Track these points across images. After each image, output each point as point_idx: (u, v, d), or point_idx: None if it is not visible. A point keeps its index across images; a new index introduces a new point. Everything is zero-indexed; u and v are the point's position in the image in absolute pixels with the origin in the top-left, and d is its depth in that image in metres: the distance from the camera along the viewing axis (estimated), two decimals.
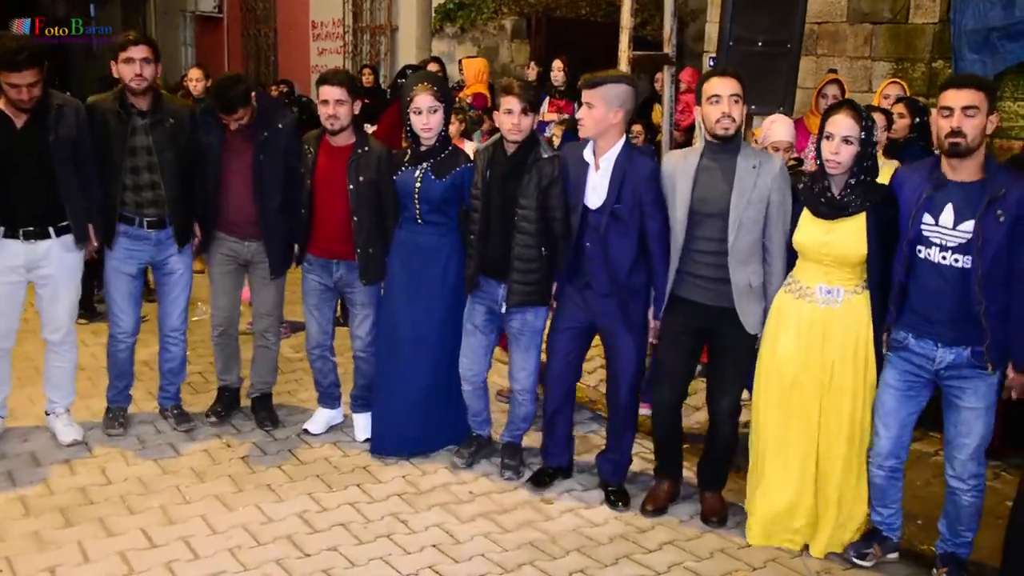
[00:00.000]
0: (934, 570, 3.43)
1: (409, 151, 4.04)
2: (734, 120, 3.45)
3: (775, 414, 3.51)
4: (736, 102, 3.44)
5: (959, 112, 3.06)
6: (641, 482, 4.10)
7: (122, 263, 4.20)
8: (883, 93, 5.40)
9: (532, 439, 4.32)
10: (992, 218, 3.05)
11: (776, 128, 4.57)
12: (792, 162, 4.76)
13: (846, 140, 3.24)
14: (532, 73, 7.93)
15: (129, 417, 4.48)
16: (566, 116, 7.19)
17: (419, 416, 4.17)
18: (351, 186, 4.06)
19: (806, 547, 3.58)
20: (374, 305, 4.23)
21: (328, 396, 4.51)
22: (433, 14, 10.76)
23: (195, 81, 7.09)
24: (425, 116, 3.89)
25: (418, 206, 3.97)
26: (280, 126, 4.21)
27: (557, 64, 7.52)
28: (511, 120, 3.72)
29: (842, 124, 3.25)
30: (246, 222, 4.21)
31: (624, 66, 6.37)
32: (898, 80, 5.52)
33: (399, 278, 4.09)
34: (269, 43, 15.30)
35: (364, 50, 12.97)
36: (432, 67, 7.40)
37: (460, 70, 8.49)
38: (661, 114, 6.90)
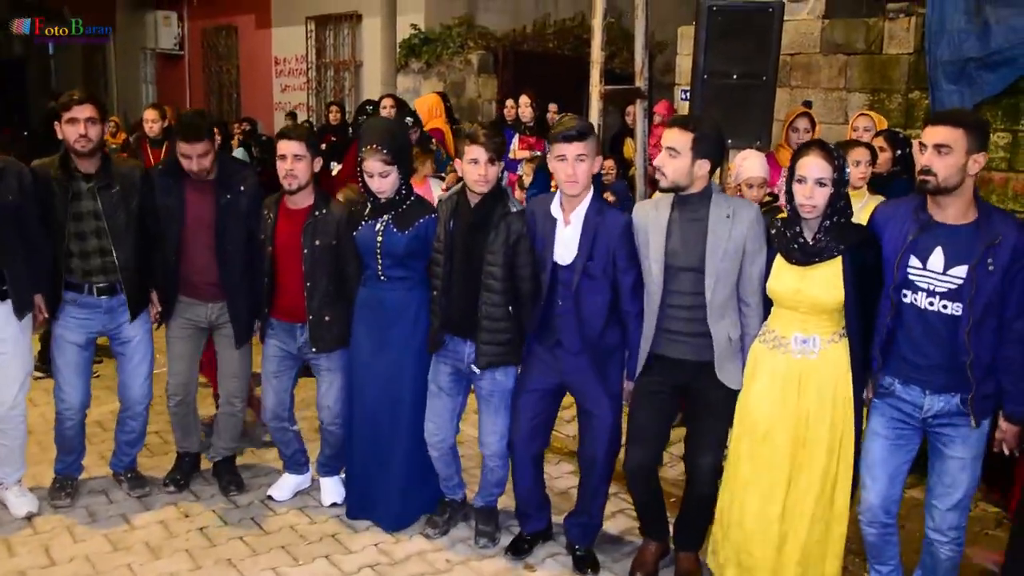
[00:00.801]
0: None
1: (369, 204, 3.82)
2: (664, 175, 3.28)
3: (745, 467, 3.33)
4: (672, 155, 3.25)
5: (931, 150, 2.92)
6: (628, 542, 3.87)
7: (71, 332, 3.95)
8: (852, 125, 5.29)
9: (509, 497, 4.05)
10: (983, 266, 2.90)
11: (748, 164, 4.41)
12: (767, 198, 4.61)
13: (819, 183, 3.06)
14: (512, 111, 7.67)
15: (79, 485, 4.19)
16: (537, 153, 7.03)
17: (398, 484, 3.92)
18: (305, 250, 3.85)
19: None
20: (340, 370, 4.00)
21: (294, 463, 4.27)
22: (398, 49, 10.61)
23: (151, 122, 6.81)
24: (377, 180, 3.70)
25: (380, 261, 3.75)
26: (242, 188, 4.01)
27: (524, 100, 7.36)
28: (477, 171, 3.52)
29: (813, 166, 3.07)
30: (209, 283, 4.01)
31: (596, 101, 6.26)
32: (868, 112, 5.41)
33: (365, 339, 3.86)
34: (231, 80, 15.11)
35: (328, 86, 12.82)
36: (386, 103, 7.18)
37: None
38: (634, 148, 6.77)
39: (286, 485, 4.23)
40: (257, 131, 10.98)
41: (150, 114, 6.81)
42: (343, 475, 4.19)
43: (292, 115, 11.41)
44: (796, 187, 3.11)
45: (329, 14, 12.51)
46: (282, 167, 3.80)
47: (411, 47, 10.53)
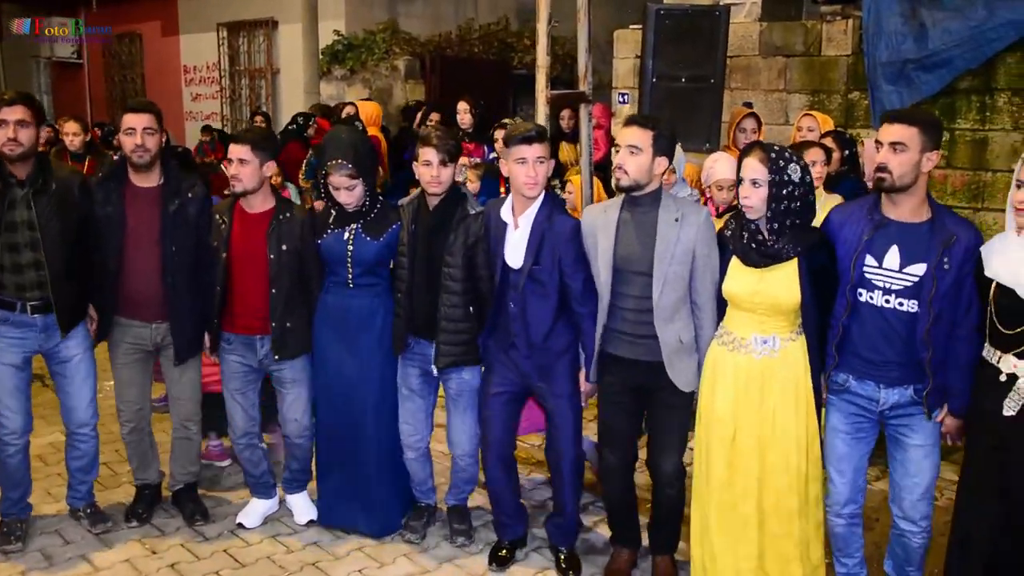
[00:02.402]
0: None
1: (333, 212, 3.75)
2: (626, 172, 3.28)
3: (718, 472, 3.33)
4: (634, 153, 3.27)
5: (887, 147, 2.99)
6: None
7: (4, 354, 3.67)
8: (797, 125, 5.41)
9: (480, 496, 4.08)
10: (940, 265, 2.98)
11: (719, 167, 4.47)
12: (736, 202, 4.66)
13: (754, 183, 3.11)
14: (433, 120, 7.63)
15: (30, 525, 3.91)
16: (477, 160, 6.97)
17: (378, 489, 3.90)
18: (272, 255, 3.73)
19: None
20: (305, 382, 3.91)
21: (262, 486, 4.11)
22: (320, 56, 10.39)
23: (72, 135, 6.47)
24: (344, 194, 3.67)
25: (351, 270, 3.71)
26: (191, 195, 3.82)
27: (463, 106, 7.30)
28: (430, 172, 3.56)
29: (749, 167, 3.13)
30: (152, 303, 3.78)
31: (542, 106, 6.19)
32: (812, 113, 5.54)
33: (332, 346, 3.80)
34: (136, 89, 14.57)
35: (243, 95, 12.47)
36: (349, 110, 7.01)
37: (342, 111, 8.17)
38: (575, 151, 6.78)
39: (255, 511, 4.07)
40: (169, 141, 10.51)
41: (71, 127, 6.48)
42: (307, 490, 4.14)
43: (207, 128, 11.03)
44: (740, 187, 3.18)
45: (242, 20, 12.20)
46: (229, 170, 3.72)
47: (334, 53, 10.32)
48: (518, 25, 11.65)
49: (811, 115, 5.39)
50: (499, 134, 6.15)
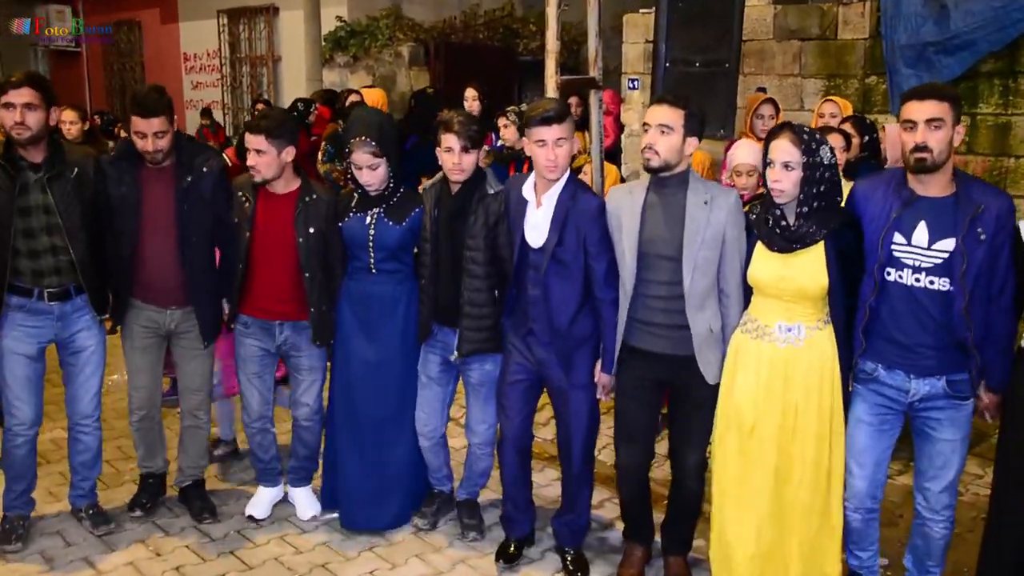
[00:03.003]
0: None
1: (356, 195, 3.70)
2: (657, 153, 3.15)
3: (734, 463, 3.23)
4: (665, 132, 3.14)
5: (923, 125, 2.87)
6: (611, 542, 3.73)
7: (18, 343, 3.58)
8: (819, 112, 5.28)
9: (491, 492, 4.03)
10: (973, 236, 2.87)
11: (740, 152, 4.34)
12: (762, 189, 4.54)
13: (786, 166, 3.00)
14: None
15: (31, 525, 3.81)
16: (487, 147, 6.86)
17: (390, 484, 3.84)
18: (301, 239, 3.66)
19: None
20: (322, 369, 3.88)
21: (270, 472, 4.05)
22: (323, 42, 10.24)
23: (69, 124, 6.35)
24: (366, 173, 3.59)
25: (372, 254, 3.65)
26: (205, 170, 3.71)
27: (471, 93, 7.17)
28: (451, 159, 3.47)
29: (780, 149, 3.01)
30: (168, 287, 3.70)
31: (552, 91, 6.08)
32: (834, 98, 5.41)
33: (354, 333, 3.74)
34: (136, 77, 14.43)
35: (245, 82, 12.34)
36: (354, 98, 6.87)
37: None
38: (584, 139, 6.65)
39: (263, 501, 4.01)
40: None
41: (68, 115, 6.35)
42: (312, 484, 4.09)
43: (207, 112, 10.90)
44: (768, 171, 3.05)
45: (243, 7, 12.05)
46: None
47: (337, 40, 10.18)
48: (523, 11, 11.50)
49: (833, 100, 5.26)
50: (502, 121, 6.03)
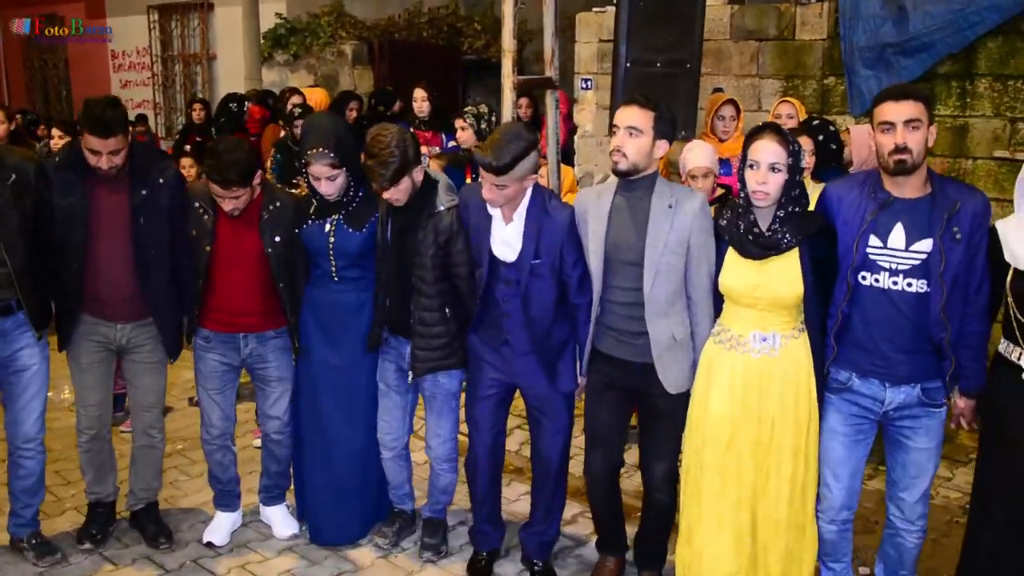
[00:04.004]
0: None
1: (314, 201, 3.58)
2: (625, 155, 3.09)
3: (710, 479, 3.16)
4: (633, 135, 3.08)
5: (902, 126, 2.82)
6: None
7: None
8: (775, 113, 5.25)
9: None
10: (950, 235, 2.85)
11: (693, 155, 4.26)
12: (720, 191, 4.48)
13: (773, 168, 2.92)
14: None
15: None
16: (436, 149, 6.70)
17: (355, 494, 3.80)
18: (269, 249, 3.53)
19: None
20: (290, 379, 3.76)
21: (228, 495, 3.89)
22: (262, 40, 9.94)
23: None
24: (324, 184, 3.48)
25: (334, 262, 3.56)
26: (161, 180, 3.52)
27: (420, 94, 7.01)
28: (384, 196, 3.42)
29: (767, 150, 2.92)
30: (119, 300, 3.50)
31: (509, 92, 5.95)
32: (790, 99, 5.40)
33: (317, 342, 3.68)
34: (59, 75, 13.84)
35: (178, 81, 11.93)
36: (295, 99, 6.64)
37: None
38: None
39: (223, 525, 3.85)
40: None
41: None
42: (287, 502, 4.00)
43: (142, 118, 10.47)
44: (748, 173, 2.96)
45: (175, 3, 11.66)
46: (224, 205, 3.51)
47: (277, 38, 9.88)
48: (466, 9, 11.36)
49: (789, 101, 5.24)
50: (459, 124, 5.89)
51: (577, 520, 4.04)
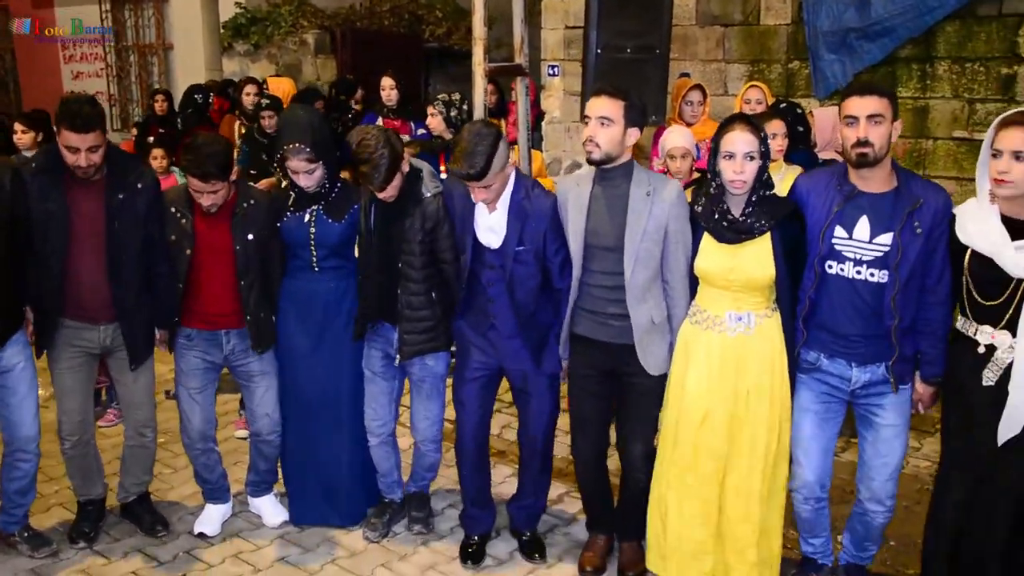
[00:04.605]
0: None
1: (293, 194, 3.63)
2: (598, 145, 3.17)
3: (682, 453, 3.28)
4: (605, 124, 3.16)
5: (864, 121, 2.95)
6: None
7: None
8: (744, 98, 5.36)
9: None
10: (910, 229, 2.98)
11: (672, 137, 4.41)
12: (696, 174, 4.58)
13: (749, 156, 3.05)
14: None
15: None
16: (407, 137, 6.71)
17: (342, 481, 3.84)
18: (237, 247, 3.54)
19: None
20: (274, 373, 3.76)
21: (218, 490, 3.89)
22: (222, 30, 9.81)
23: None
24: (303, 178, 3.53)
25: (315, 253, 3.61)
26: (140, 186, 3.50)
27: (388, 82, 7.00)
28: (380, 196, 3.48)
29: (742, 140, 3.05)
30: (100, 304, 3.48)
31: (480, 79, 5.97)
32: (758, 84, 5.50)
33: (298, 333, 3.71)
34: (5, 67, 13.49)
35: (133, 72, 11.72)
36: (250, 89, 6.59)
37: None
38: (502, 126, 6.59)
39: (213, 517, 3.85)
40: (50, 123, 9.75)
41: None
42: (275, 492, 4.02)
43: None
44: (725, 163, 3.07)
45: None
46: (203, 200, 3.49)
47: (237, 27, 9.75)
48: None
49: (758, 87, 5.34)
50: (431, 111, 5.91)
51: (563, 500, 4.12)
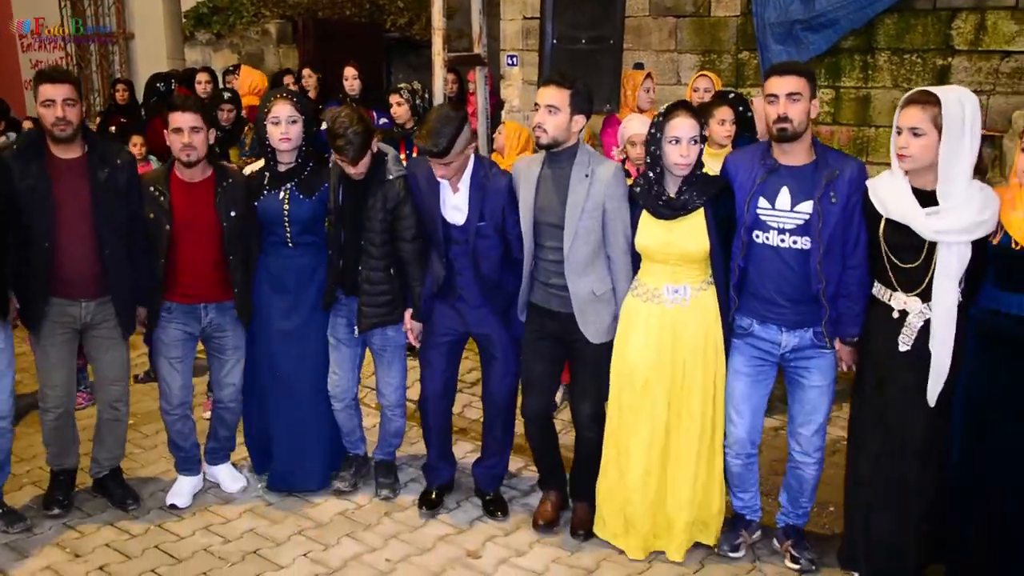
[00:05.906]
0: (775, 543, 3.63)
1: (267, 173, 3.83)
2: (545, 131, 3.42)
3: (626, 418, 3.53)
4: (552, 112, 3.40)
5: (784, 98, 3.19)
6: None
7: None
8: (693, 86, 5.55)
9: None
10: (827, 198, 3.21)
11: (632, 124, 4.58)
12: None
13: (693, 140, 3.29)
14: (309, 80, 7.38)
15: None
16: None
17: (315, 445, 4.06)
18: (224, 223, 3.74)
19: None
20: (243, 348, 3.98)
21: (191, 460, 4.05)
22: (184, 19, 9.82)
23: None
24: (284, 126, 3.72)
25: (289, 229, 3.80)
26: (119, 162, 3.67)
27: (351, 72, 7.10)
28: (349, 172, 3.70)
29: (686, 126, 3.28)
30: (83, 278, 3.61)
31: (439, 69, 6.13)
32: (707, 73, 5.70)
33: (273, 305, 3.91)
34: None
35: (93, 61, 11.66)
36: (201, 77, 6.66)
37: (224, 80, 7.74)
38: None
39: (183, 490, 4.01)
40: (9, 112, 9.71)
41: None
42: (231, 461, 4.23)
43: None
44: (670, 147, 3.30)
45: None
46: (178, 140, 3.64)
47: (199, 16, 9.77)
48: None
49: (706, 75, 5.54)
50: (395, 99, 6.01)
51: (521, 473, 4.29)
